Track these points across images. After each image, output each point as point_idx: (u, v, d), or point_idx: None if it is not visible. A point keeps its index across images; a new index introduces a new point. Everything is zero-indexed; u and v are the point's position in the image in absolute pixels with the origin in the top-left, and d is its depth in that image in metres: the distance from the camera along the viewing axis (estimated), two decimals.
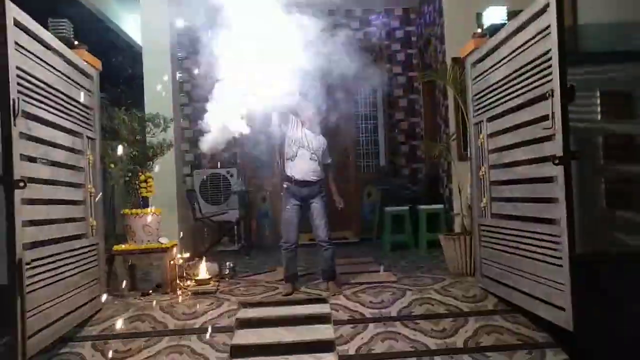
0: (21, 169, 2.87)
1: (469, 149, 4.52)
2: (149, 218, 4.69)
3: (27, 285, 2.89)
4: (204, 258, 5.11)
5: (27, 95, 3.00)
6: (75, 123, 3.81)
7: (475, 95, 4.24)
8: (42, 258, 3.18)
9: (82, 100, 3.93)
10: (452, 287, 4.24)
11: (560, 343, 3.53)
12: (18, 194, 2.78)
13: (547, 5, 2.99)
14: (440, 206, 6.41)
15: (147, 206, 4.79)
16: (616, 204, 4.16)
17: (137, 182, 4.81)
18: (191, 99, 7.93)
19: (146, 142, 4.92)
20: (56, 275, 3.35)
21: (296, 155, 4.40)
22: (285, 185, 4.49)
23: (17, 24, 2.87)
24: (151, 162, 4.90)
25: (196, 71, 7.75)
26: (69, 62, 3.73)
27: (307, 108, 4.49)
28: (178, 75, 6.82)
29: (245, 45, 4.34)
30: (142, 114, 5.09)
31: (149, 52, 6.26)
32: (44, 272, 3.17)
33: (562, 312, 3.03)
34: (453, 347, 3.57)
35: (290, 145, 4.43)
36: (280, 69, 4.32)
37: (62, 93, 3.57)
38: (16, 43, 2.85)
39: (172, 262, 4.70)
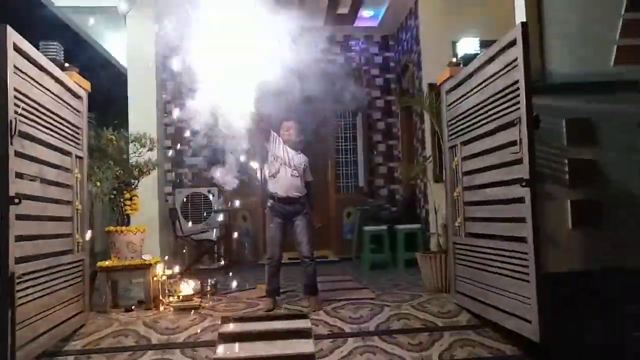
0: (15, 186, 2.98)
1: (444, 171, 4.74)
2: (133, 235, 4.78)
3: (18, 299, 2.97)
4: (186, 275, 5.21)
5: (22, 115, 3.12)
6: (65, 142, 3.92)
7: (450, 120, 4.48)
8: (31, 272, 3.26)
9: (71, 120, 4.05)
10: (428, 304, 4.42)
11: (528, 356, 3.71)
12: (13, 210, 2.89)
13: (515, 40, 3.25)
14: (417, 226, 6.63)
15: (130, 224, 4.89)
16: (580, 224, 4.39)
17: (122, 200, 4.91)
18: (174, 118, 8.05)
19: (129, 161, 5.04)
20: (43, 289, 3.42)
21: (278, 172, 4.56)
22: (269, 204, 4.64)
23: (16, 48, 3.01)
24: (136, 181, 5.01)
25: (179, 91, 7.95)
26: (61, 84, 3.86)
27: (288, 126, 4.67)
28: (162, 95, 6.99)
29: (227, 67, 4.53)
30: (126, 133, 5.22)
31: (134, 73, 6.41)
32: (32, 286, 3.25)
33: (529, 324, 3.22)
34: (428, 359, 3.73)
35: (272, 163, 4.60)
36: (262, 90, 4.51)
37: (54, 113, 3.69)
38: (15, 66, 2.99)
39: (155, 278, 4.78)
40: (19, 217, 3.04)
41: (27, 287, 3.16)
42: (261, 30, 4.84)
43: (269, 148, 4.62)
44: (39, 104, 3.40)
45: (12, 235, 2.91)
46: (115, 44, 7.61)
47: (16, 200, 2.89)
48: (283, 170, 4.55)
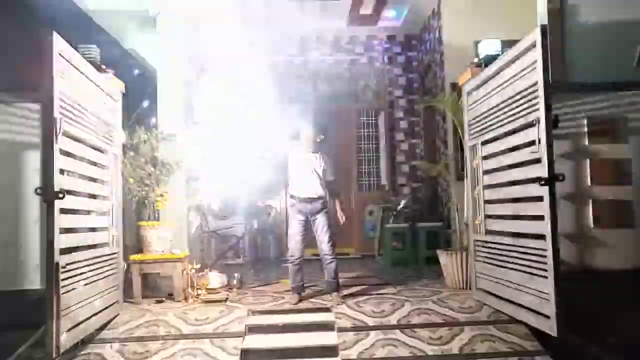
0: (59, 181, 3.19)
1: (465, 170, 4.83)
2: (163, 230, 4.99)
3: (62, 287, 3.18)
4: (213, 269, 5.41)
5: (65, 115, 3.33)
6: (102, 140, 4.14)
7: (471, 120, 4.57)
8: (73, 263, 3.47)
9: (107, 119, 4.26)
10: (448, 299, 4.51)
11: (548, 351, 3.79)
12: (57, 204, 3.10)
13: (534, 43, 3.34)
14: (439, 224, 6.71)
15: (159, 219, 5.10)
16: (602, 223, 4.45)
17: (153, 196, 5.12)
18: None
19: (159, 159, 5.24)
20: (83, 279, 3.63)
21: (297, 174, 4.74)
22: (290, 203, 4.82)
23: (61, 53, 3.23)
24: (166, 178, 5.22)
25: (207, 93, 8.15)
26: (99, 85, 4.08)
27: (306, 130, 4.82)
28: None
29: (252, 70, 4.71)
30: (157, 132, 5.42)
31: (164, 76, 6.61)
32: (73, 276, 3.46)
33: (547, 319, 3.31)
34: (449, 353, 3.83)
35: (291, 166, 4.79)
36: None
37: (92, 113, 3.90)
38: (59, 70, 3.19)
39: (184, 271, 4.98)
40: (62, 211, 3.26)
41: (69, 277, 3.37)
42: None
43: (288, 152, 4.82)
44: (79, 104, 3.60)
45: (57, 227, 3.12)
46: (145, 45, 7.84)
47: (61, 195, 3.09)
48: (302, 171, 4.72)
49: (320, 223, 4.71)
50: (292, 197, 4.78)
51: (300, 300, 4.67)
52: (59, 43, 3.18)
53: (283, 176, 4.81)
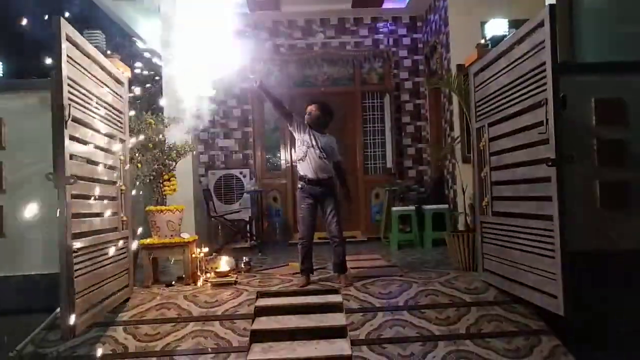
0: (69, 167, 3.21)
1: (472, 152, 4.83)
2: (172, 214, 5.03)
3: (75, 271, 3.23)
4: (221, 253, 5.46)
5: (74, 101, 3.35)
6: (110, 126, 4.15)
7: (478, 101, 4.55)
8: (84, 248, 3.51)
9: (115, 104, 4.28)
10: (455, 280, 4.55)
11: (554, 331, 3.83)
12: (69, 190, 3.13)
13: (542, 22, 3.31)
14: (445, 206, 6.73)
15: (166, 204, 5.14)
16: (609, 204, 4.45)
17: (161, 181, 5.15)
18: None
19: (164, 143, 5.26)
20: (94, 264, 3.67)
21: (305, 156, 4.71)
22: (299, 185, 4.81)
23: (69, 39, 3.23)
24: (174, 163, 5.24)
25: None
26: (106, 71, 4.08)
27: (310, 109, 4.79)
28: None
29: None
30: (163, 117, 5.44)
31: (168, 59, 6.61)
32: (85, 260, 3.50)
33: (554, 299, 3.34)
34: (456, 333, 3.87)
35: (299, 147, 4.76)
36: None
37: (100, 98, 3.91)
38: (68, 56, 3.21)
39: (193, 255, 5.03)
40: (73, 197, 3.29)
41: (81, 262, 3.41)
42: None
43: (294, 133, 4.79)
44: (87, 90, 3.61)
45: (69, 212, 3.15)
46: (149, 29, 7.83)
47: (71, 181, 3.13)
48: (310, 152, 4.68)
49: (329, 206, 4.71)
50: (300, 178, 4.78)
51: (308, 283, 4.71)
52: (66, 29, 3.18)
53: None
